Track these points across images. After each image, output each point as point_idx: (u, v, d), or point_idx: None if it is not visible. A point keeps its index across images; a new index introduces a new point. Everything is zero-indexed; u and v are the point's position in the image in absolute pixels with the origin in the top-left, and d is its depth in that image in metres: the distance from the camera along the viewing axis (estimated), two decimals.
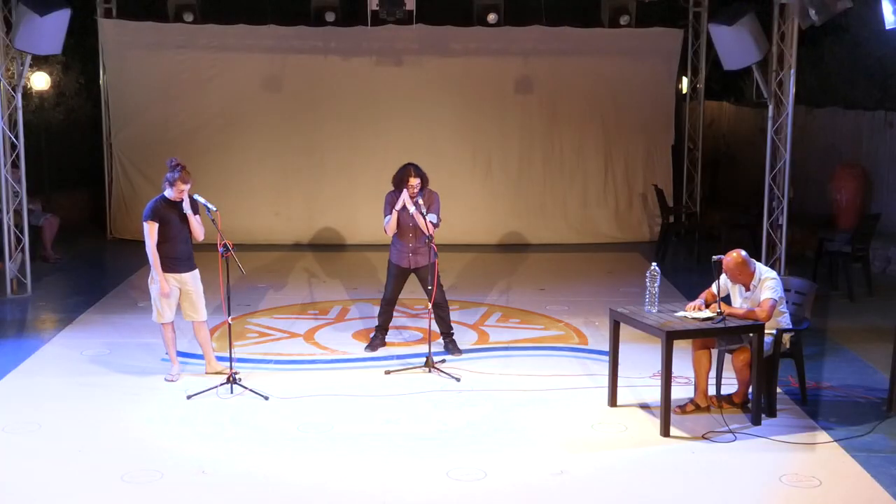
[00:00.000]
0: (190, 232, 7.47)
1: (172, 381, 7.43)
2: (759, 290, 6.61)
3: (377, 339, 8.43)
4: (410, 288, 10.52)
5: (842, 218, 12.41)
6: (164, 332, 7.54)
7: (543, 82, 13.65)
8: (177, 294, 7.46)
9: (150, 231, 7.30)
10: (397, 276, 8.34)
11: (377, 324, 8.48)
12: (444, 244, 13.11)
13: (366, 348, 8.39)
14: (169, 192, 7.34)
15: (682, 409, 6.76)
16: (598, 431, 6.54)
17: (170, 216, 7.34)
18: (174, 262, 7.40)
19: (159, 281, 7.35)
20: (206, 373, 7.60)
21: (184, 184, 7.30)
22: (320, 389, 7.31)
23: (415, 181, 8.10)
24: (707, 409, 6.79)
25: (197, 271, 7.56)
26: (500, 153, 13.72)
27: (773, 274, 6.66)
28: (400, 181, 8.19)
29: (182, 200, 7.36)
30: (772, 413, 6.75)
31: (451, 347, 8.27)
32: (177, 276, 7.42)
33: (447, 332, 8.31)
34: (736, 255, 6.66)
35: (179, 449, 6.16)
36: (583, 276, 11.65)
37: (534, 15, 13.33)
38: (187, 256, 7.49)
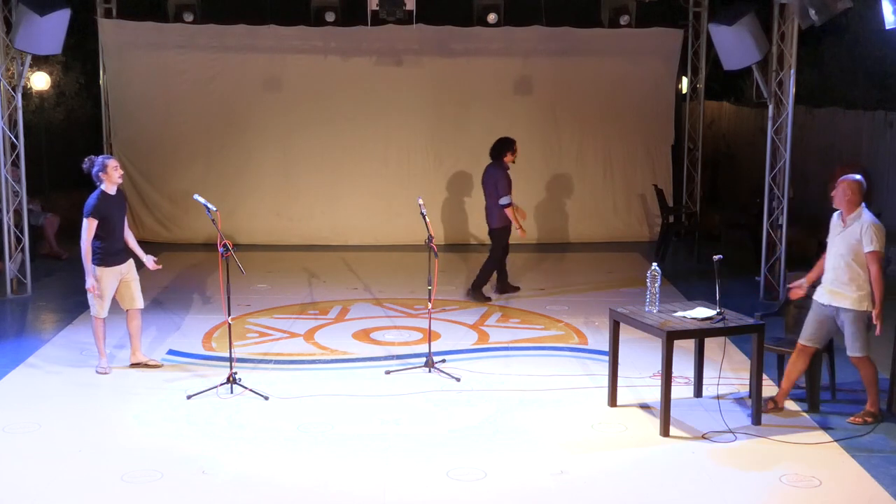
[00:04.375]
0: (124, 227, 7.64)
1: (106, 373, 7.56)
2: (860, 233, 6.43)
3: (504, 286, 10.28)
4: (410, 287, 10.55)
5: None
6: (100, 326, 7.63)
7: (543, 82, 13.65)
8: (115, 287, 7.56)
9: (90, 227, 7.38)
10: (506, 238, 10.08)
11: (500, 277, 10.32)
12: (444, 244, 13.14)
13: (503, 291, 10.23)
14: (105, 184, 7.43)
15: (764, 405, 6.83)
16: (598, 431, 6.54)
17: (111, 211, 7.45)
18: (116, 256, 7.54)
19: (90, 279, 7.43)
20: (130, 363, 7.76)
21: (115, 164, 7.45)
22: (320, 389, 7.31)
23: (517, 146, 9.92)
24: (781, 409, 6.82)
25: (132, 260, 7.70)
26: None
27: (877, 221, 6.45)
28: (509, 147, 9.92)
29: (117, 193, 7.50)
30: (814, 408, 6.82)
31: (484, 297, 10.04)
32: (119, 268, 7.55)
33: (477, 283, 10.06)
34: (855, 178, 6.56)
35: (179, 449, 6.16)
36: (583, 276, 11.65)
37: (534, 15, 13.33)
38: (123, 249, 7.63)
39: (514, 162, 10.05)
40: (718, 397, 6.95)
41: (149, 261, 7.74)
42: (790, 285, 6.92)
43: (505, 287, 10.42)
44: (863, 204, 6.55)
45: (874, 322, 6.43)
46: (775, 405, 6.84)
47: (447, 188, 13.59)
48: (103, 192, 7.44)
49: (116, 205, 7.51)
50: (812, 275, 6.82)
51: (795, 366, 6.80)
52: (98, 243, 7.43)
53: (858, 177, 6.62)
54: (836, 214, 6.70)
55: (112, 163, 7.47)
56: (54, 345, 8.53)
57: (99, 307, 7.57)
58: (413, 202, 8.39)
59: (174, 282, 10.77)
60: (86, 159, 7.58)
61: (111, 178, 7.43)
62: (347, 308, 9.90)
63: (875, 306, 6.41)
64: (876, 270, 6.37)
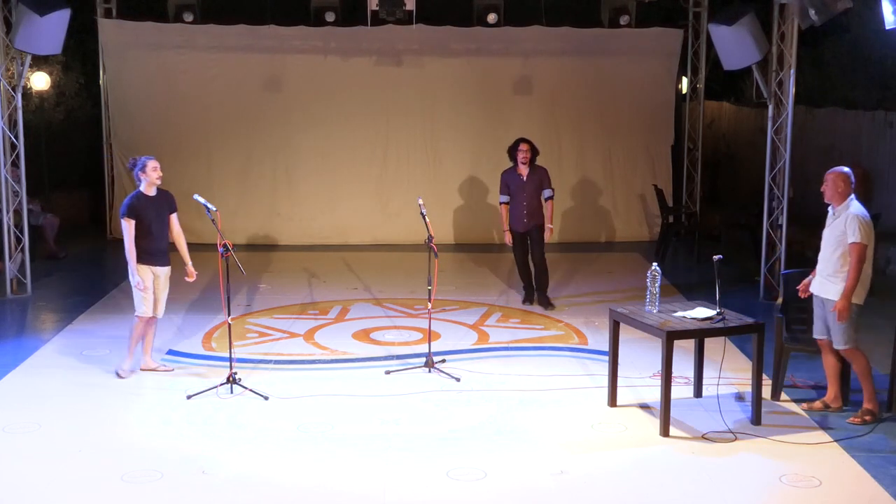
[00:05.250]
0: (169, 228, 7.54)
1: (124, 378, 7.47)
2: (845, 224, 6.49)
3: (528, 295, 9.99)
4: (410, 287, 10.55)
5: None
6: (140, 326, 7.54)
7: (543, 82, 13.65)
8: (152, 285, 7.49)
9: (128, 228, 7.32)
10: (518, 240, 9.78)
11: (523, 284, 10.03)
12: (444, 244, 13.15)
13: (523, 301, 9.99)
14: (143, 184, 7.38)
15: (810, 405, 6.88)
16: (598, 431, 6.54)
17: (147, 212, 7.38)
18: (151, 256, 7.45)
19: (139, 277, 7.37)
20: (142, 368, 7.68)
21: (154, 165, 7.38)
22: (320, 389, 7.31)
23: (524, 146, 9.64)
24: (838, 409, 6.83)
25: (169, 268, 7.61)
26: (500, 154, 13.68)
27: (864, 214, 6.51)
28: (512, 149, 9.72)
29: (158, 193, 7.43)
30: (845, 402, 6.87)
31: (545, 303, 9.87)
32: (152, 268, 7.48)
33: (542, 287, 9.91)
34: (839, 171, 6.60)
35: (179, 449, 6.16)
36: (583, 276, 11.65)
37: (534, 15, 13.33)
38: (163, 251, 7.54)
39: (525, 162, 9.61)
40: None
41: (189, 270, 7.62)
42: (799, 287, 6.90)
43: (529, 296, 10.06)
44: (851, 196, 6.60)
45: (833, 310, 6.52)
46: (826, 406, 6.87)
47: (447, 188, 13.58)
48: (140, 193, 7.39)
49: (155, 206, 7.41)
50: (815, 271, 6.86)
51: (827, 363, 6.86)
52: (137, 242, 7.34)
53: (846, 169, 6.68)
54: (830, 207, 6.76)
55: (152, 163, 7.40)
56: (54, 345, 8.53)
57: (145, 305, 7.46)
58: (413, 202, 8.40)
59: (174, 282, 10.74)
60: (130, 158, 7.55)
61: (150, 178, 7.37)
62: (347, 308, 9.90)
63: (843, 295, 6.48)
64: (854, 261, 6.45)
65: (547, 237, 9.74)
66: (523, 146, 9.66)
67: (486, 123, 13.52)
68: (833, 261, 6.60)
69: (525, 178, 9.68)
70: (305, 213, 13.60)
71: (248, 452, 6.12)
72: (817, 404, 6.90)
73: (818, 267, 6.74)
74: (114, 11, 13.38)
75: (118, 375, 7.51)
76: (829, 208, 6.72)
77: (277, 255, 12.67)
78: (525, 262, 9.92)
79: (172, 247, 7.65)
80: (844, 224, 6.51)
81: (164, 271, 7.56)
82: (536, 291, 9.94)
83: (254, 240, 13.10)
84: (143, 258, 7.40)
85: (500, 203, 9.89)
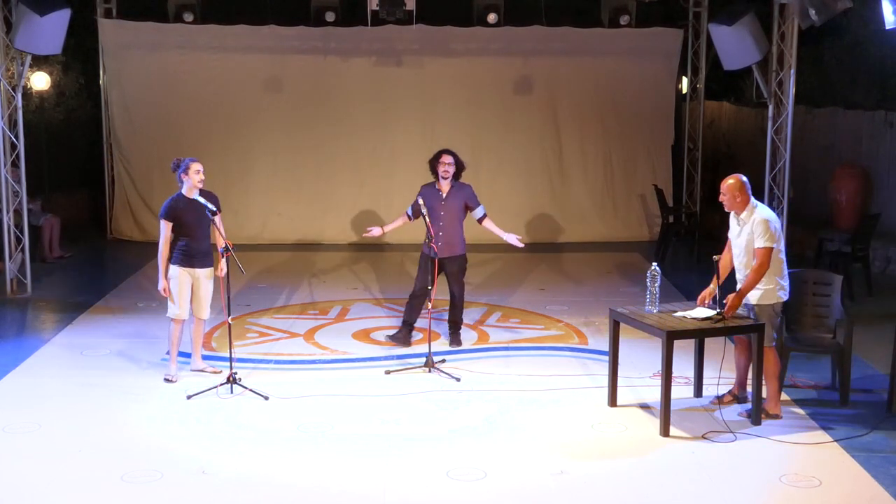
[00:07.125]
0: (209, 229, 7.45)
1: (173, 381, 7.42)
2: (752, 229, 6.51)
3: (399, 336, 8.51)
4: (410, 287, 10.53)
5: (842, 218, 12.40)
6: (176, 329, 7.46)
7: (543, 82, 13.65)
8: (189, 288, 7.41)
9: (165, 230, 7.29)
10: (427, 267, 8.19)
11: (403, 318, 8.55)
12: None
13: (391, 337, 8.54)
14: (186, 186, 7.31)
15: (720, 399, 6.89)
16: (598, 431, 6.54)
17: (187, 214, 7.32)
18: (192, 258, 7.38)
19: (161, 281, 7.33)
20: (191, 369, 7.62)
21: (197, 167, 7.32)
22: (320, 389, 7.31)
23: (447, 158, 8.31)
24: (738, 398, 6.96)
25: (211, 269, 7.52)
26: (499, 154, 13.72)
27: (768, 216, 6.53)
28: (433, 161, 8.42)
29: (200, 193, 7.36)
30: (844, 402, 6.93)
31: (456, 342, 8.51)
32: (192, 270, 7.41)
33: (454, 321, 8.56)
34: (735, 179, 6.59)
35: (179, 449, 6.16)
36: (583, 276, 11.65)
37: (534, 15, 13.34)
38: (204, 252, 7.46)
39: (446, 177, 8.36)
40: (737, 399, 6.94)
41: (221, 266, 7.43)
42: (702, 305, 6.80)
43: (401, 337, 8.54)
44: (752, 200, 6.61)
45: (725, 302, 6.52)
46: (735, 397, 6.99)
47: None
48: (180, 195, 7.33)
49: (195, 208, 7.32)
50: (713, 286, 6.74)
51: (737, 359, 7.01)
52: (177, 243, 7.32)
53: (738, 176, 6.66)
54: (731, 215, 6.75)
55: (195, 166, 7.33)
56: (54, 345, 8.52)
57: (174, 308, 7.40)
58: (413, 202, 8.39)
59: None
60: (174, 159, 7.45)
61: (192, 181, 7.30)
62: (347, 308, 9.90)
63: (738, 293, 6.51)
64: (757, 265, 6.47)
65: (517, 243, 8.53)
66: (445, 158, 8.30)
67: (486, 124, 13.52)
68: (750, 267, 6.58)
69: (444, 196, 8.34)
70: (305, 212, 13.60)
71: (248, 452, 6.12)
72: (727, 398, 6.96)
73: (738, 275, 6.71)
74: (114, 11, 13.39)
75: (166, 380, 7.44)
76: (731, 217, 6.72)
77: (277, 255, 12.67)
78: (423, 294, 8.25)
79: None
80: (752, 229, 6.53)
81: (203, 273, 7.46)
82: (449, 327, 8.62)
83: (254, 240, 13.10)
84: (182, 260, 7.35)
85: (405, 213, 8.53)
